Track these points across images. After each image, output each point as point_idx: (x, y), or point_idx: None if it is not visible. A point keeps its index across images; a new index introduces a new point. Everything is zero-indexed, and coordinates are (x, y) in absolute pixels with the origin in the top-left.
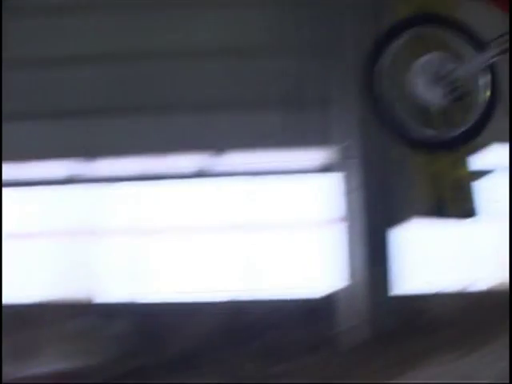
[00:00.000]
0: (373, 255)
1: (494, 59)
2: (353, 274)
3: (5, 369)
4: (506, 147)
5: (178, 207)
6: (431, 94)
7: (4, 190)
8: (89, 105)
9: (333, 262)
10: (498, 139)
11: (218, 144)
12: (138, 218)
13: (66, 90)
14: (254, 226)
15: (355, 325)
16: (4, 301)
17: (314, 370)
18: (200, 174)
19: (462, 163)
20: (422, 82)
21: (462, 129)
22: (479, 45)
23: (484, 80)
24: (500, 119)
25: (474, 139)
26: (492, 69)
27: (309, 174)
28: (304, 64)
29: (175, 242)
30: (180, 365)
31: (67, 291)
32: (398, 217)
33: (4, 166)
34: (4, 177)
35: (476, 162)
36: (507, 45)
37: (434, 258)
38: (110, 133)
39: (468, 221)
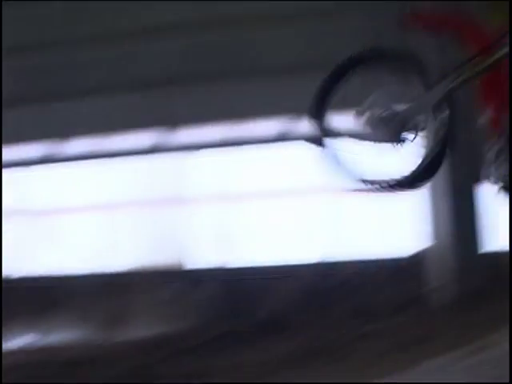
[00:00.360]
0: (459, 213)
1: (450, 93)
2: (440, 232)
3: (100, 335)
4: None
5: (262, 172)
6: (380, 134)
7: (93, 162)
8: (168, 75)
9: (420, 221)
10: None
11: (297, 108)
12: (222, 184)
13: (145, 62)
14: (339, 188)
15: (444, 283)
16: (98, 269)
17: (403, 329)
18: (281, 139)
19: None
20: (371, 122)
21: (415, 170)
22: (434, 79)
23: (440, 116)
24: None
25: (427, 181)
26: (450, 103)
27: None
28: (380, 25)
29: (261, 207)
30: (270, 327)
31: (158, 258)
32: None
33: (91, 139)
34: (91, 149)
35: None
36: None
37: None
38: (190, 101)
39: None
